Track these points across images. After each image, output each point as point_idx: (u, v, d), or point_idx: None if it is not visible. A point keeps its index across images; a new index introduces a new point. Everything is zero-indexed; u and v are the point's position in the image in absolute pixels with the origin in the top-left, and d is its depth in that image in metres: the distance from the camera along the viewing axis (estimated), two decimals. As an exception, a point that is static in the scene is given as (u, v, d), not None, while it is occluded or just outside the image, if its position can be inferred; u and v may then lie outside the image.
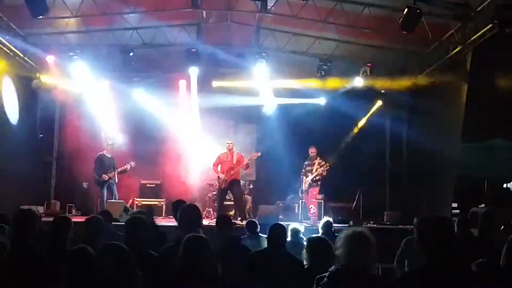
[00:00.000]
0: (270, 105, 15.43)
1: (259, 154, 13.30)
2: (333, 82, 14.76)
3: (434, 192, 13.15)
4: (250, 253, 5.77)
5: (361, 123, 15.88)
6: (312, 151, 13.52)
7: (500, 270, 4.17)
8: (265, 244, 6.63)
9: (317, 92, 15.46)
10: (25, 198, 12.63)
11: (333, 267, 4.06)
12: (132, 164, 13.40)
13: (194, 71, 14.53)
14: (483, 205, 11.10)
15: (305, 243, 5.87)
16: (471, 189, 13.25)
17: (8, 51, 12.74)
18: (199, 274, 3.94)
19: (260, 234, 7.79)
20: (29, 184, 13.64)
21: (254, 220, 8.57)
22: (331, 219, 8.59)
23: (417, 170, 14.66)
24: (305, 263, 5.43)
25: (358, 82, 14.69)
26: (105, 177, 12.94)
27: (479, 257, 4.43)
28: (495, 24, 9.91)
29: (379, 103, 15.79)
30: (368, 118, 15.80)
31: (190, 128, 15.49)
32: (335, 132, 15.52)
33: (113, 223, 7.77)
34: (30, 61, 13.84)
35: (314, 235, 5.88)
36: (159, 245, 5.33)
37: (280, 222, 6.09)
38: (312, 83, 14.65)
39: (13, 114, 13.22)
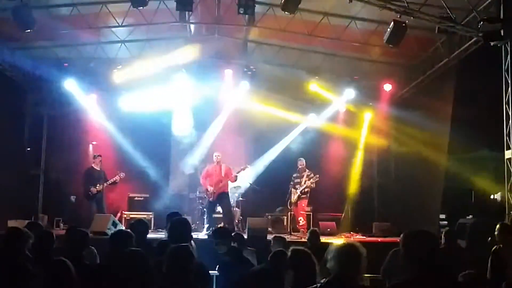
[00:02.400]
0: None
1: (248, 166, 13.29)
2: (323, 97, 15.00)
3: (422, 203, 13.21)
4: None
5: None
6: (301, 163, 13.59)
7: (487, 281, 4.22)
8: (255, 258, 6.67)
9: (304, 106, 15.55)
10: (12, 212, 12.52)
11: (323, 280, 4.08)
12: (121, 175, 13.32)
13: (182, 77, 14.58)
14: (470, 216, 11.16)
15: None
16: (458, 200, 13.35)
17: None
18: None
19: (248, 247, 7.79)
20: (16, 198, 13.51)
21: (240, 233, 8.56)
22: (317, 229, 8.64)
23: (404, 182, 14.74)
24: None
25: (349, 94, 14.84)
26: (94, 190, 12.87)
27: (467, 269, 4.48)
28: (480, 37, 10.04)
29: (368, 115, 15.87)
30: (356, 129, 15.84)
31: (179, 140, 15.49)
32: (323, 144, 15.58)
33: (100, 236, 7.74)
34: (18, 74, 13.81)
35: (297, 247, 5.87)
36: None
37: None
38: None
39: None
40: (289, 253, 5.28)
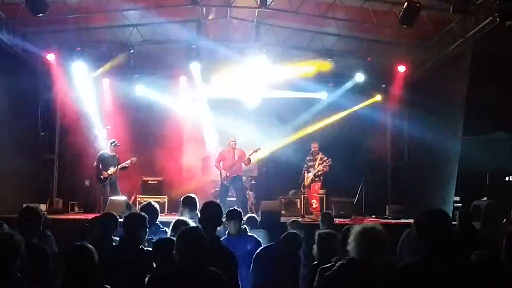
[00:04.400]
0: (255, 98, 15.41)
1: (260, 148, 13.26)
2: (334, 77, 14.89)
3: (436, 186, 13.15)
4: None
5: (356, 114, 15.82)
6: (314, 146, 13.55)
7: (499, 262, 4.20)
8: (262, 239, 6.71)
9: (317, 87, 15.47)
10: (27, 196, 12.66)
11: (343, 260, 4.10)
12: (133, 159, 13.34)
13: (196, 67, 14.56)
14: (485, 198, 11.10)
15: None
16: (473, 183, 13.26)
17: (8, 49, 12.75)
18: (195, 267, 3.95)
19: (260, 229, 7.82)
20: (31, 182, 13.67)
21: (253, 215, 8.55)
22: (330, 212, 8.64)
23: (418, 164, 14.68)
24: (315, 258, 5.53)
25: (359, 77, 14.74)
26: (105, 174, 12.92)
27: (481, 249, 4.45)
28: (495, 17, 9.89)
29: (377, 97, 15.76)
30: (367, 111, 15.70)
31: (192, 124, 15.50)
32: (336, 127, 15.51)
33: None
34: (31, 59, 13.87)
35: (324, 231, 5.93)
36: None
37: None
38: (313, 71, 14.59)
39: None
40: (316, 238, 5.53)
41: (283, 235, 6.05)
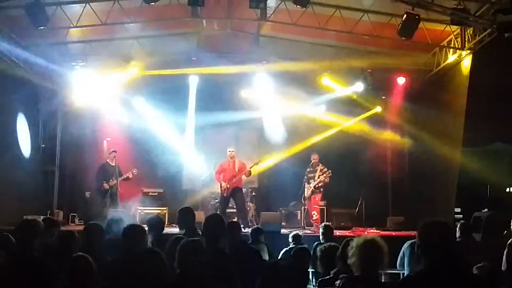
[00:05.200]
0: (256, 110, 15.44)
1: (260, 161, 13.29)
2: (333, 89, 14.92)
3: (437, 197, 13.14)
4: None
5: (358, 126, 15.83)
6: (314, 157, 13.56)
7: (502, 274, 4.19)
8: (266, 251, 6.69)
9: (317, 98, 15.48)
10: (28, 208, 12.64)
11: (344, 275, 4.10)
12: (134, 172, 13.37)
13: (194, 80, 14.61)
14: (485, 210, 11.09)
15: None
16: (473, 194, 13.24)
17: (10, 62, 12.80)
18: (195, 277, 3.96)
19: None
20: (31, 194, 13.64)
21: (259, 227, 8.51)
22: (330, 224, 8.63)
23: (418, 176, 14.68)
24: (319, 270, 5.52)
25: (358, 87, 14.76)
26: (106, 186, 12.94)
27: (481, 261, 4.44)
28: (494, 28, 9.94)
29: (377, 108, 15.78)
30: (367, 123, 15.72)
31: (192, 136, 15.51)
32: (336, 138, 15.51)
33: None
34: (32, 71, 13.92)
35: (325, 244, 5.93)
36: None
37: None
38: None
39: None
40: (318, 253, 5.48)
41: (293, 250, 6.04)
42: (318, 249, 5.71)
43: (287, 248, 7.34)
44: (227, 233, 6.23)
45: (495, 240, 6.94)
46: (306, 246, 6.26)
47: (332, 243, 5.89)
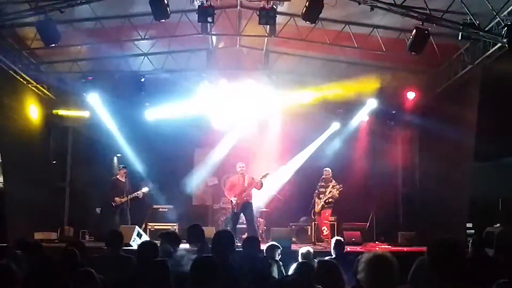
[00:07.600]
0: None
1: (268, 173, 13.17)
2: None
3: (448, 212, 13.03)
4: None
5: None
6: (327, 173, 13.49)
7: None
8: (276, 269, 6.65)
9: (328, 114, 15.48)
10: (39, 225, 12.69)
11: None
12: (144, 190, 13.41)
13: (205, 95, 14.66)
14: (498, 225, 10.97)
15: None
16: (485, 209, 13.14)
17: (22, 80, 12.93)
18: None
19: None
20: (42, 210, 13.66)
21: (275, 244, 8.37)
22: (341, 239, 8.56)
23: (430, 190, 14.58)
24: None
25: (372, 103, 14.76)
26: (117, 200, 12.98)
27: (494, 277, 4.38)
28: (504, 43, 9.92)
29: (387, 123, 15.76)
30: (377, 137, 15.68)
31: (202, 152, 15.53)
32: (348, 154, 15.47)
33: (124, 247, 7.75)
34: (43, 89, 14.05)
35: (324, 258, 5.85)
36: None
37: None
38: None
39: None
40: (315, 265, 5.26)
41: (296, 266, 5.96)
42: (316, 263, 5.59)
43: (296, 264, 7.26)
44: (244, 248, 6.24)
45: (508, 255, 6.84)
46: (306, 261, 6.14)
47: (331, 259, 5.81)
